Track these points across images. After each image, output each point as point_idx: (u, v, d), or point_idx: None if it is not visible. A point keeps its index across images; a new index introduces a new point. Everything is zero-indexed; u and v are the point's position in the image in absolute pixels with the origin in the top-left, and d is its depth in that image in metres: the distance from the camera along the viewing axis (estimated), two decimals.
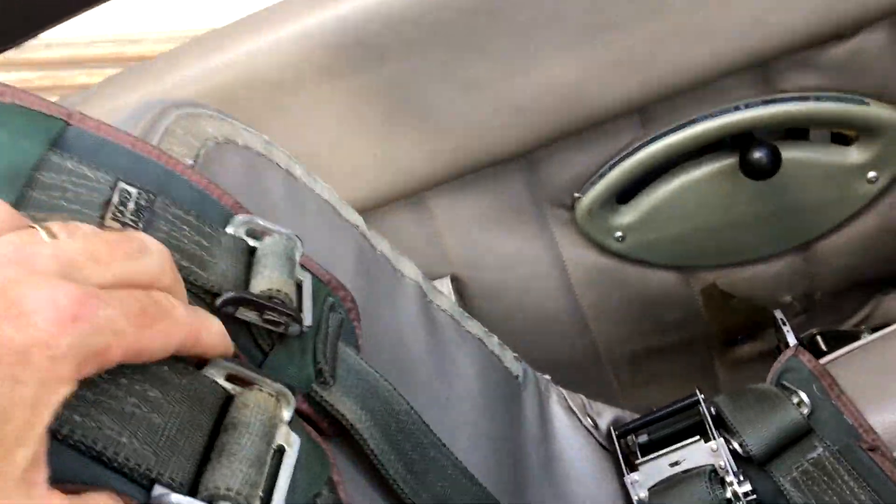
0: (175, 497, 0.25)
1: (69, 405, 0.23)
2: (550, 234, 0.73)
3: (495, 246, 0.73)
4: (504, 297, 0.75)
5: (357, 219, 0.49)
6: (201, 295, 0.31)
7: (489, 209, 0.71)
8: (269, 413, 0.28)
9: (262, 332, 0.33)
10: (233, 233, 0.34)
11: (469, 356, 0.51)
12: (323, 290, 0.38)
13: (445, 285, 0.73)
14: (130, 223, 0.30)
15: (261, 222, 0.35)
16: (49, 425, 0.21)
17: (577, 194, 0.70)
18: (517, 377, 0.56)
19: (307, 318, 0.34)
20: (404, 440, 0.38)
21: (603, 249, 0.73)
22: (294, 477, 0.28)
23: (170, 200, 0.33)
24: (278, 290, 0.32)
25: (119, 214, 0.30)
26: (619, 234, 0.72)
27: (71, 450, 0.24)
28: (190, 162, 0.38)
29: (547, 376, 0.60)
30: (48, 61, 1.46)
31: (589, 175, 0.69)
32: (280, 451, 0.28)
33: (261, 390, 0.28)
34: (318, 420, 0.35)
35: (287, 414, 0.29)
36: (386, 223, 0.70)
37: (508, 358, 0.56)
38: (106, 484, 0.24)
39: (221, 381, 0.28)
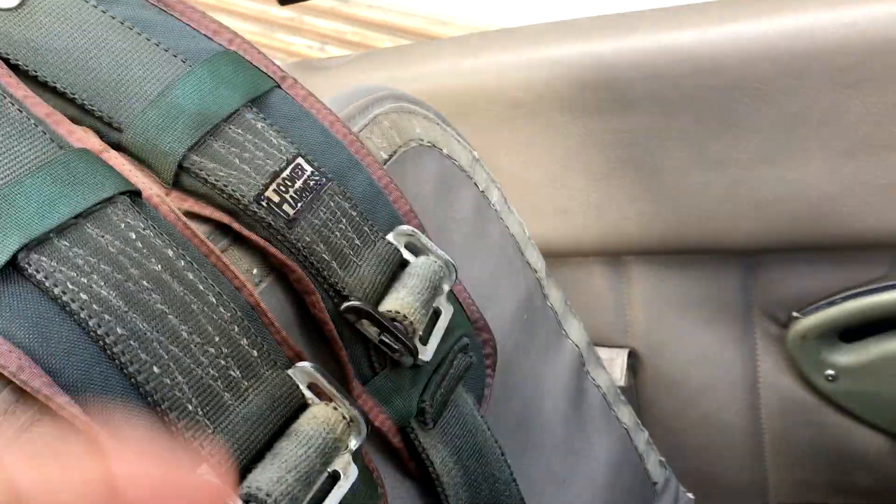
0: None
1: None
2: (752, 345, 0.66)
3: (687, 335, 0.67)
4: (679, 390, 0.69)
5: (539, 262, 0.46)
6: (330, 293, 0.30)
7: (693, 295, 0.65)
8: (334, 434, 0.26)
9: (378, 351, 0.31)
10: (392, 241, 0.33)
11: (607, 444, 0.47)
12: (462, 327, 0.35)
13: (621, 357, 0.69)
14: (290, 200, 0.30)
15: (422, 239, 0.34)
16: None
17: (796, 314, 0.62)
18: (655, 483, 0.51)
19: (428, 353, 0.32)
20: None
21: (807, 383, 0.65)
22: None
23: (341, 189, 0.32)
24: (404, 317, 0.30)
25: (282, 189, 0.30)
26: (831, 372, 0.63)
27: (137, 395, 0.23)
28: (384, 156, 0.37)
29: (691, 495, 0.54)
30: (364, 20, 1.56)
31: (817, 298, 0.61)
32: (334, 478, 0.26)
33: (335, 409, 0.26)
34: (406, 459, 0.33)
35: (354, 443, 0.27)
36: (576, 273, 0.66)
37: (653, 461, 0.51)
38: None
39: (302, 388, 0.27)
